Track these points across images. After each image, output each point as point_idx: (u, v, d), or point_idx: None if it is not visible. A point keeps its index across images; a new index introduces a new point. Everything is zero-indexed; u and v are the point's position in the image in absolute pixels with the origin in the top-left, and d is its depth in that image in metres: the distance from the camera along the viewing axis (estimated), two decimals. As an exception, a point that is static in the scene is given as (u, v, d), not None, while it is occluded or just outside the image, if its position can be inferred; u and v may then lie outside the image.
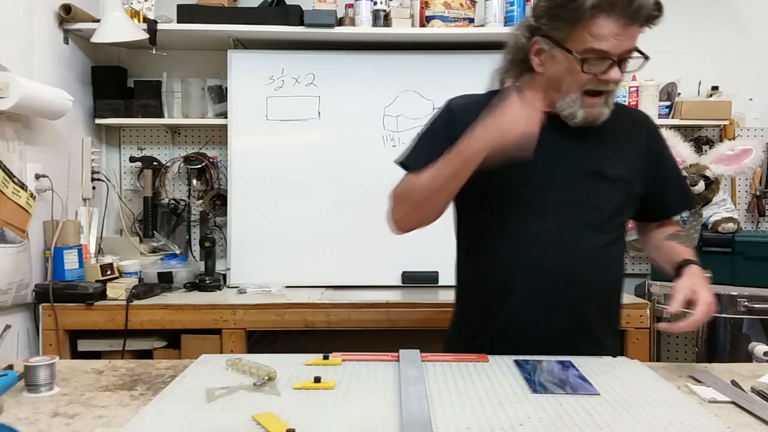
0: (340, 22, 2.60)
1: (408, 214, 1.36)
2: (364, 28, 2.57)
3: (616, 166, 1.38)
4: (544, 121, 1.24)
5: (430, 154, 1.32)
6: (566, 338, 1.35)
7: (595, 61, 1.26)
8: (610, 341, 1.43)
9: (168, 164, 2.83)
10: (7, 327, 1.75)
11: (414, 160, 1.37)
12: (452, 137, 1.30)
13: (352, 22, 2.59)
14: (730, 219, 2.46)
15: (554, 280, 1.33)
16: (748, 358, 1.32)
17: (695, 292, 1.25)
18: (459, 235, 1.50)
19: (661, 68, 2.83)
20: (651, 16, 1.26)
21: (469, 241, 1.46)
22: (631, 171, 1.40)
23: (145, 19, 2.57)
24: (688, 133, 2.90)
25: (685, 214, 2.54)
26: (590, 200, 1.35)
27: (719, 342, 2.31)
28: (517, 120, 1.19)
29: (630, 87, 2.76)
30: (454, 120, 1.38)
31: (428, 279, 2.56)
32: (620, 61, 1.27)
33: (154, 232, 2.75)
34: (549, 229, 1.34)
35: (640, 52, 1.30)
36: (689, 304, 1.24)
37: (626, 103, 2.75)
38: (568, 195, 1.35)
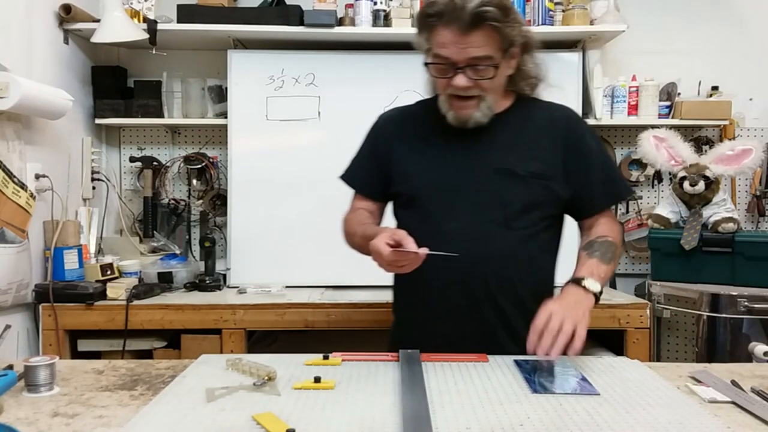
0: (340, 22, 2.60)
1: (353, 247, 1.56)
2: (364, 28, 2.57)
3: (529, 163, 1.41)
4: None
5: (362, 175, 1.57)
6: (488, 332, 1.40)
7: (442, 67, 1.35)
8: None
9: (168, 164, 2.83)
10: (7, 327, 1.75)
11: (351, 179, 1.59)
12: (375, 153, 1.54)
13: (352, 22, 2.59)
14: (730, 219, 2.45)
15: (470, 277, 1.38)
16: (748, 358, 1.32)
17: (548, 321, 1.20)
18: None
19: (661, 68, 2.83)
20: (484, 15, 1.26)
21: None
22: (548, 167, 1.42)
23: (145, 19, 2.57)
24: (688, 133, 2.90)
25: (684, 213, 2.54)
26: (499, 198, 1.40)
27: (719, 342, 2.31)
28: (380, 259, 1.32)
29: (630, 87, 2.75)
30: (377, 135, 1.56)
31: (428, 279, 2.55)
32: (469, 67, 1.32)
33: (154, 232, 2.75)
34: (462, 228, 1.39)
35: (491, 58, 1.32)
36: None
37: (626, 103, 2.74)
38: (479, 194, 1.41)
